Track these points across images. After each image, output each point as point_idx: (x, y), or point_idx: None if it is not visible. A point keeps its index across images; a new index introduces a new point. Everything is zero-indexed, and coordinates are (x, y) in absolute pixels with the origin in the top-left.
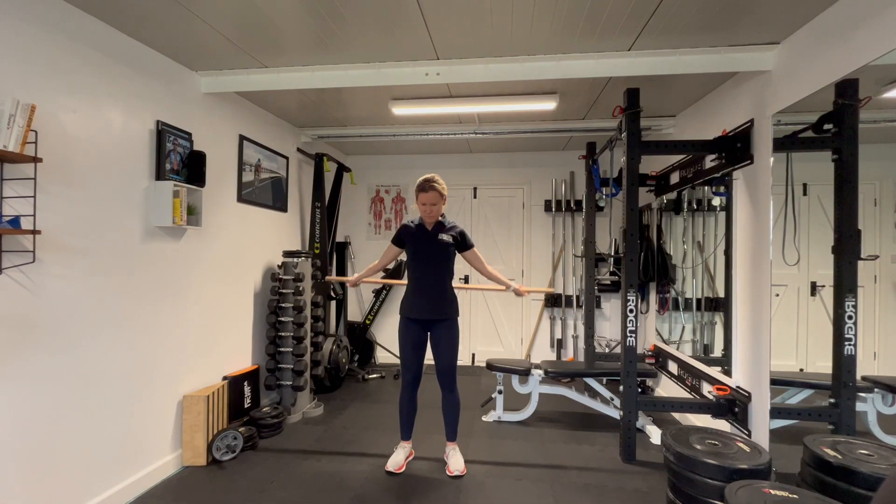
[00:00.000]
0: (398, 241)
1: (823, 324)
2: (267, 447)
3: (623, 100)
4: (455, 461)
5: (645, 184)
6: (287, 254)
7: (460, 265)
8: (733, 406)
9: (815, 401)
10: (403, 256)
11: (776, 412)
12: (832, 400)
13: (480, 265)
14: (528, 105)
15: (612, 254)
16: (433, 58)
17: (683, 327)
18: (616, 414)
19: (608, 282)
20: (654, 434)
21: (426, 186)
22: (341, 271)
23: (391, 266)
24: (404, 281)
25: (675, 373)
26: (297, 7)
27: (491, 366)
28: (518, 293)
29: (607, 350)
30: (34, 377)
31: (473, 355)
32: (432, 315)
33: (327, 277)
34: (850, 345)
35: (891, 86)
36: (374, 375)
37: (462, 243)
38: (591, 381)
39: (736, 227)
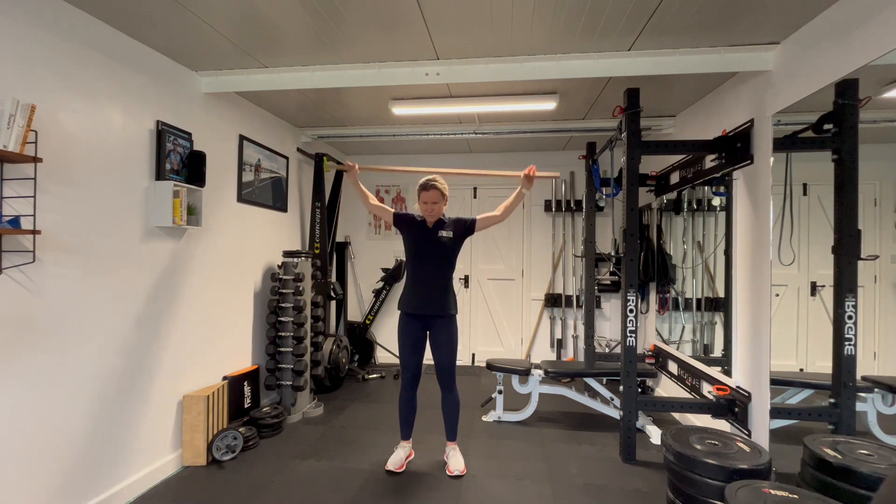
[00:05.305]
0: (397, 220)
1: (823, 324)
2: (267, 447)
3: (623, 100)
4: (455, 461)
5: (645, 184)
6: (287, 254)
7: (461, 264)
8: (733, 406)
9: (815, 401)
10: (402, 256)
11: (776, 412)
12: (832, 400)
13: (495, 219)
14: (528, 105)
15: (613, 254)
16: (433, 58)
17: (683, 327)
18: (616, 414)
19: (608, 282)
20: (654, 434)
21: (428, 185)
22: (341, 271)
23: (389, 267)
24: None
25: (675, 373)
26: (297, 7)
27: (491, 366)
28: (529, 179)
29: (607, 350)
30: (34, 377)
31: (473, 355)
32: (432, 311)
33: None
34: (850, 345)
35: (891, 86)
36: (374, 375)
37: (467, 227)
38: (591, 381)
39: (736, 227)
